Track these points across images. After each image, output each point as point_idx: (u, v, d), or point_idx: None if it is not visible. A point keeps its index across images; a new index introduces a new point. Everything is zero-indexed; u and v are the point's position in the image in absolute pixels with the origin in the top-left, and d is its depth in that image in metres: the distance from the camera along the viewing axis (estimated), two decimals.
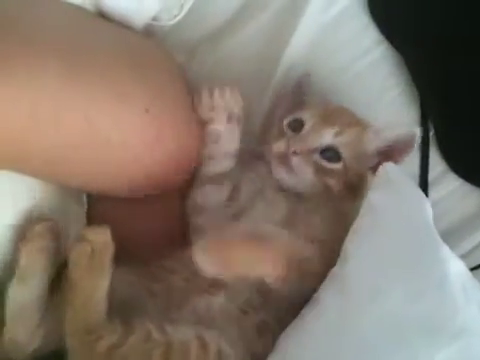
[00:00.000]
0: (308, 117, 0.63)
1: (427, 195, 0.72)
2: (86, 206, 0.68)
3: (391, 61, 0.76)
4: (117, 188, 0.61)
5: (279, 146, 0.62)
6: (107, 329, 0.51)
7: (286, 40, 0.73)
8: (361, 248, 0.53)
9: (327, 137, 0.62)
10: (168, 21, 0.71)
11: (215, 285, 0.57)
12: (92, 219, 0.68)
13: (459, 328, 0.45)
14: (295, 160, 0.61)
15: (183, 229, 0.67)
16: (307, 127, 0.63)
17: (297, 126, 0.64)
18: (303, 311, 0.53)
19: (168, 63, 0.65)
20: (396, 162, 0.60)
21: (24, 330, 0.56)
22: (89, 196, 0.68)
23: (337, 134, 0.62)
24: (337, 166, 0.61)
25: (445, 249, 0.50)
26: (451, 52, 0.71)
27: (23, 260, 0.56)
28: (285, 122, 0.65)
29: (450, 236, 0.69)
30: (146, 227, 0.66)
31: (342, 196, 0.62)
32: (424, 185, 0.73)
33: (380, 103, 0.75)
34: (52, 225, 0.58)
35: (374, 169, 0.60)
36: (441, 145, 0.73)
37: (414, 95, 0.75)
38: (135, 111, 0.56)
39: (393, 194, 0.56)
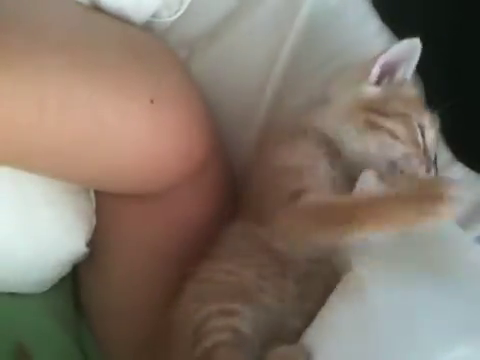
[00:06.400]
0: None
1: None
2: (95, 203, 0.68)
3: None
4: (124, 183, 0.61)
5: None
6: None
7: (286, 32, 0.73)
8: None
9: None
10: (168, 17, 0.70)
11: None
12: (101, 217, 0.68)
13: None
14: None
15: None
16: None
17: None
18: None
19: (170, 57, 0.65)
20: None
21: None
22: (97, 193, 0.68)
23: None
24: None
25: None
26: (456, 39, 0.70)
27: None
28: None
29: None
30: (157, 224, 0.66)
31: None
32: None
33: None
34: None
35: None
36: (445, 133, 0.72)
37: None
38: (140, 103, 0.56)
39: None
